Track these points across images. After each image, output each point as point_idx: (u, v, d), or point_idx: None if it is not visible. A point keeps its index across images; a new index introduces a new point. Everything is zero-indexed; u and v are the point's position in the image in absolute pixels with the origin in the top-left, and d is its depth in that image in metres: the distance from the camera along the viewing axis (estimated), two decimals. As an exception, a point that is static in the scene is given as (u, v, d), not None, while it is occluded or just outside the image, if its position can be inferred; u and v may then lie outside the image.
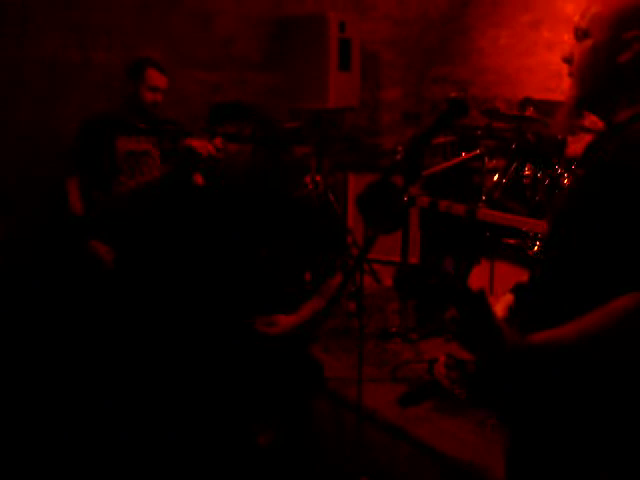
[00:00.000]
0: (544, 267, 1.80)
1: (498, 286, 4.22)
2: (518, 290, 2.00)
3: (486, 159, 4.52)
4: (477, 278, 4.32)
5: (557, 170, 4.24)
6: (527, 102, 5.25)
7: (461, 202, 4.44)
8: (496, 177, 4.46)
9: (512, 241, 4.24)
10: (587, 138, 5.10)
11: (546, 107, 5.21)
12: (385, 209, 1.93)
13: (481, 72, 6.53)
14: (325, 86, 5.55)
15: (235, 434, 2.83)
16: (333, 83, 5.56)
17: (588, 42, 1.72)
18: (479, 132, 4.85)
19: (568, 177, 4.17)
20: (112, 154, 4.01)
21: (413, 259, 5.06)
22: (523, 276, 1.91)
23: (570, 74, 1.79)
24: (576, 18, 1.77)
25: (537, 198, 4.26)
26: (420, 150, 1.92)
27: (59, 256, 4.21)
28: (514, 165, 4.39)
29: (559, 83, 5.56)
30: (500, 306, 2.00)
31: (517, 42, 6.22)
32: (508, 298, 2.02)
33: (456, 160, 4.66)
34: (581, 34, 1.74)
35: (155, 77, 4.13)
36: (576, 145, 5.17)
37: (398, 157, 1.80)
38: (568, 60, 1.78)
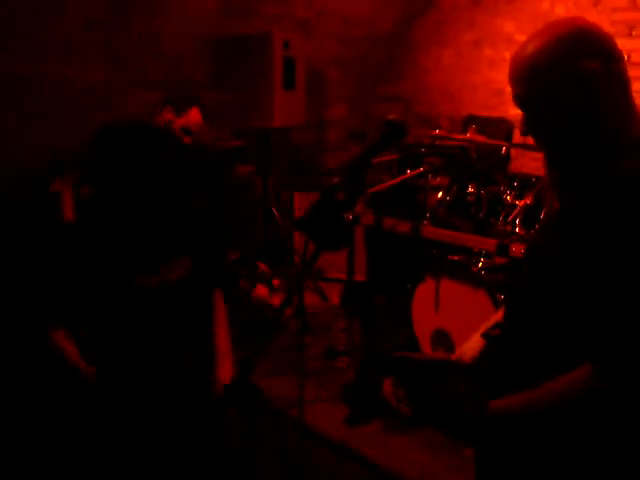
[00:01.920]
0: (518, 316, 1.74)
1: (444, 303, 4.23)
2: (490, 338, 1.97)
3: (430, 176, 4.55)
4: (423, 296, 4.34)
5: (500, 187, 4.29)
6: (470, 120, 5.31)
7: (406, 220, 4.47)
8: (440, 194, 4.50)
9: (457, 258, 4.27)
10: (531, 154, 5.18)
11: (489, 124, 5.29)
12: (327, 227, 1.93)
13: (425, 90, 6.60)
14: (270, 105, 5.55)
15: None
16: (278, 102, 5.55)
17: (537, 106, 1.64)
18: (423, 150, 4.88)
19: (511, 194, 4.22)
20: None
21: (359, 277, 5.06)
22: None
23: (538, 143, 1.70)
24: (514, 90, 1.68)
25: (481, 215, 4.30)
26: (359, 172, 1.92)
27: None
28: (457, 182, 4.44)
29: (501, 100, 5.69)
30: (469, 348, 1.99)
31: (460, 60, 6.30)
32: (478, 341, 2.00)
33: (400, 178, 4.68)
34: (527, 103, 1.66)
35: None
36: (519, 161, 5.25)
37: (335, 180, 1.78)
38: (529, 133, 1.69)
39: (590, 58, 1.58)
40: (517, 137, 5.26)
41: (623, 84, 1.63)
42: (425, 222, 4.41)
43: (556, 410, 1.54)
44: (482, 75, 6.08)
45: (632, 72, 1.65)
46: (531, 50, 1.63)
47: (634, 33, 5.02)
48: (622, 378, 1.45)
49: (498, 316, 2.01)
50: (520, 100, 1.67)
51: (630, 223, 1.47)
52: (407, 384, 1.73)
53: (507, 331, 1.80)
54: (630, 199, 1.49)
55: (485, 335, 1.96)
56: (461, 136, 4.56)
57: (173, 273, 2.83)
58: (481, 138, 4.43)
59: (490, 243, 4.02)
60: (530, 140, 1.72)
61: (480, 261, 4.18)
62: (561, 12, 5.44)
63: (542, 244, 1.75)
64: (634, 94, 1.66)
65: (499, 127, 5.35)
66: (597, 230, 1.50)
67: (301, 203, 5.68)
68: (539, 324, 1.63)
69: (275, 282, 4.99)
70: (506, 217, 4.14)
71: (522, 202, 4.10)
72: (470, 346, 1.99)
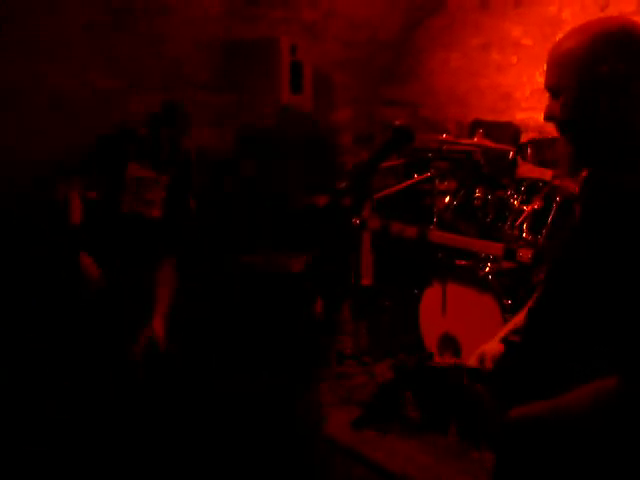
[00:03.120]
0: (538, 326, 1.74)
1: (451, 307, 4.23)
2: (509, 344, 1.96)
3: (437, 181, 4.55)
4: (430, 300, 4.34)
5: (507, 191, 4.29)
6: (477, 124, 5.31)
7: (413, 224, 4.47)
8: (447, 199, 4.49)
9: (464, 262, 4.27)
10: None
11: (496, 128, 5.28)
12: (334, 231, 1.93)
13: (432, 94, 6.59)
14: (278, 108, 5.55)
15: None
16: (286, 105, 5.56)
17: (562, 99, 1.68)
18: (430, 154, 4.88)
19: (518, 198, 4.22)
20: (122, 175, 3.99)
21: (366, 281, 5.06)
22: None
23: (558, 132, 1.75)
24: (544, 78, 1.73)
25: (488, 219, 4.30)
26: (365, 177, 1.92)
27: (49, 267, 4.05)
28: (465, 187, 4.43)
29: (508, 104, 5.69)
30: (491, 351, 1.98)
31: (467, 64, 6.28)
32: (496, 347, 1.99)
33: (407, 182, 4.69)
34: (554, 92, 1.71)
35: None
36: (526, 166, 5.24)
37: (342, 185, 1.80)
38: (550, 119, 1.74)
39: (611, 62, 1.60)
40: (524, 141, 5.26)
41: None
42: (432, 226, 4.41)
43: (584, 417, 1.53)
44: (489, 79, 6.06)
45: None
46: (566, 42, 1.67)
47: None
48: None
49: (517, 319, 2.00)
50: (548, 85, 1.70)
51: None
52: (425, 395, 1.74)
53: (528, 338, 1.79)
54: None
55: (504, 340, 1.95)
56: (468, 140, 4.56)
57: (287, 263, 2.95)
58: (488, 142, 4.43)
59: (497, 248, 4.02)
60: (551, 123, 1.74)
61: (487, 266, 4.18)
62: (568, 16, 5.43)
63: (564, 252, 1.75)
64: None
65: (506, 131, 5.34)
66: (620, 239, 1.50)
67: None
68: (562, 332, 1.62)
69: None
70: (513, 222, 4.13)
71: (529, 207, 4.10)
72: (492, 349, 1.98)
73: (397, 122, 2.00)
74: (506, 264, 4.12)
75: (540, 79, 5.37)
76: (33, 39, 4.60)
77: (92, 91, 4.74)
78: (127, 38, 5.04)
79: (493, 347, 1.99)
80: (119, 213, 3.95)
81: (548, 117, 1.75)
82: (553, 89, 1.71)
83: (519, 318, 2.01)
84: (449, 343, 4.21)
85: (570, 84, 1.66)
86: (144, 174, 4.02)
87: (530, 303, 1.97)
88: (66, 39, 4.74)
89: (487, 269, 4.14)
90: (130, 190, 3.98)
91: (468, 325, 4.08)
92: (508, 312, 3.81)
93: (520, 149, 4.39)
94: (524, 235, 4.08)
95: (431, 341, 4.34)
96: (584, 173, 1.76)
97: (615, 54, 1.61)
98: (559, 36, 1.75)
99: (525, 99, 5.57)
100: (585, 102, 1.65)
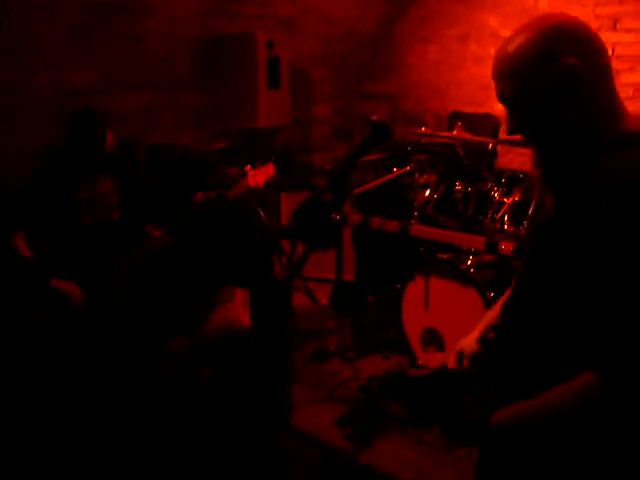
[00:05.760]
0: (514, 321, 1.72)
1: (433, 301, 4.21)
2: (486, 342, 1.94)
3: (417, 175, 4.53)
4: (412, 294, 4.31)
5: (488, 184, 4.27)
6: (456, 116, 5.29)
7: (394, 218, 4.45)
8: (427, 192, 4.48)
9: (446, 256, 4.25)
10: (518, 150, 5.17)
11: (475, 120, 5.27)
12: (315, 229, 1.92)
13: (411, 87, 6.58)
14: (255, 105, 5.51)
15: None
16: (263, 102, 5.52)
17: (523, 103, 1.63)
18: (409, 148, 4.86)
19: (498, 190, 4.20)
20: (74, 203, 3.92)
21: (348, 277, 5.04)
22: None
23: (526, 141, 1.69)
24: (498, 89, 1.67)
25: (469, 212, 4.29)
26: (345, 174, 1.90)
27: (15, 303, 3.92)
28: (445, 180, 4.42)
29: (487, 96, 5.68)
30: (467, 347, 1.97)
31: (445, 56, 6.28)
32: (474, 344, 1.97)
33: (387, 177, 4.66)
34: (511, 102, 1.65)
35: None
36: (506, 157, 5.24)
37: (322, 181, 1.80)
38: (515, 131, 1.68)
39: (569, 54, 1.56)
40: (503, 133, 5.25)
41: (605, 78, 1.61)
42: (413, 221, 4.39)
43: (564, 416, 1.51)
44: (467, 71, 6.06)
45: (617, 65, 1.63)
46: (511, 49, 1.62)
47: (618, 26, 5.01)
48: (627, 384, 1.41)
49: (492, 315, 1.98)
50: (503, 98, 1.66)
51: (623, 222, 1.43)
52: (408, 404, 1.71)
53: (504, 335, 1.77)
54: (615, 198, 1.46)
55: (481, 340, 1.93)
56: (447, 133, 4.54)
57: None
58: (467, 135, 4.41)
59: (479, 241, 4.00)
60: (517, 136, 1.69)
61: (469, 259, 4.16)
62: (545, 6, 5.43)
63: (538, 244, 1.71)
64: (621, 87, 1.63)
65: (485, 123, 5.33)
66: (592, 231, 1.47)
67: (288, 203, 5.65)
68: (537, 327, 1.60)
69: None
70: (494, 214, 4.12)
71: (510, 199, 4.09)
72: (469, 347, 1.96)
73: (375, 117, 1.97)
74: (488, 257, 4.11)
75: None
76: (17, 38, 4.55)
77: (76, 90, 4.69)
78: (109, 37, 4.99)
79: (471, 344, 1.97)
80: (81, 227, 3.92)
81: (512, 130, 1.69)
82: (510, 99, 1.65)
83: (495, 312, 1.99)
84: (432, 337, 4.19)
85: (529, 87, 1.60)
86: (97, 190, 3.97)
87: (505, 296, 1.95)
88: (50, 38, 4.69)
89: (469, 262, 4.12)
90: (85, 213, 3.93)
91: (451, 319, 4.06)
92: (491, 305, 3.80)
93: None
94: (505, 227, 4.07)
95: (414, 336, 4.32)
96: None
97: (570, 47, 1.56)
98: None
99: (504, 90, 5.55)
100: (549, 101, 1.59)
